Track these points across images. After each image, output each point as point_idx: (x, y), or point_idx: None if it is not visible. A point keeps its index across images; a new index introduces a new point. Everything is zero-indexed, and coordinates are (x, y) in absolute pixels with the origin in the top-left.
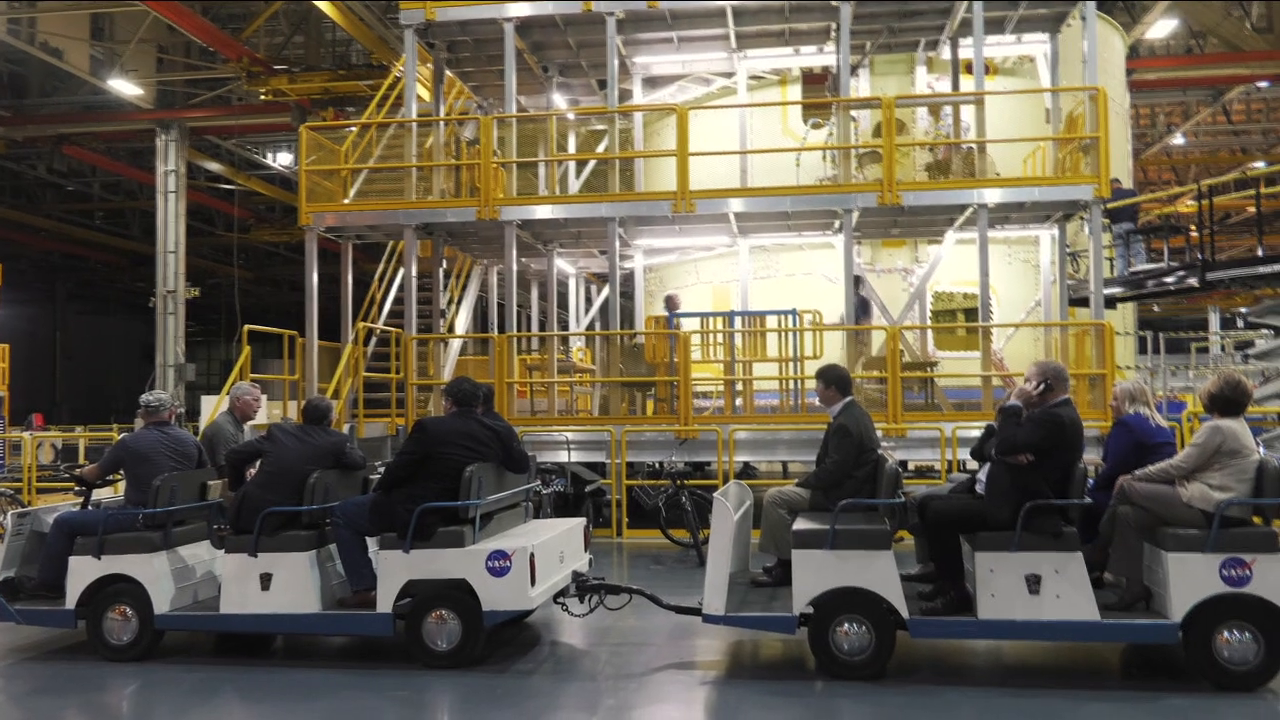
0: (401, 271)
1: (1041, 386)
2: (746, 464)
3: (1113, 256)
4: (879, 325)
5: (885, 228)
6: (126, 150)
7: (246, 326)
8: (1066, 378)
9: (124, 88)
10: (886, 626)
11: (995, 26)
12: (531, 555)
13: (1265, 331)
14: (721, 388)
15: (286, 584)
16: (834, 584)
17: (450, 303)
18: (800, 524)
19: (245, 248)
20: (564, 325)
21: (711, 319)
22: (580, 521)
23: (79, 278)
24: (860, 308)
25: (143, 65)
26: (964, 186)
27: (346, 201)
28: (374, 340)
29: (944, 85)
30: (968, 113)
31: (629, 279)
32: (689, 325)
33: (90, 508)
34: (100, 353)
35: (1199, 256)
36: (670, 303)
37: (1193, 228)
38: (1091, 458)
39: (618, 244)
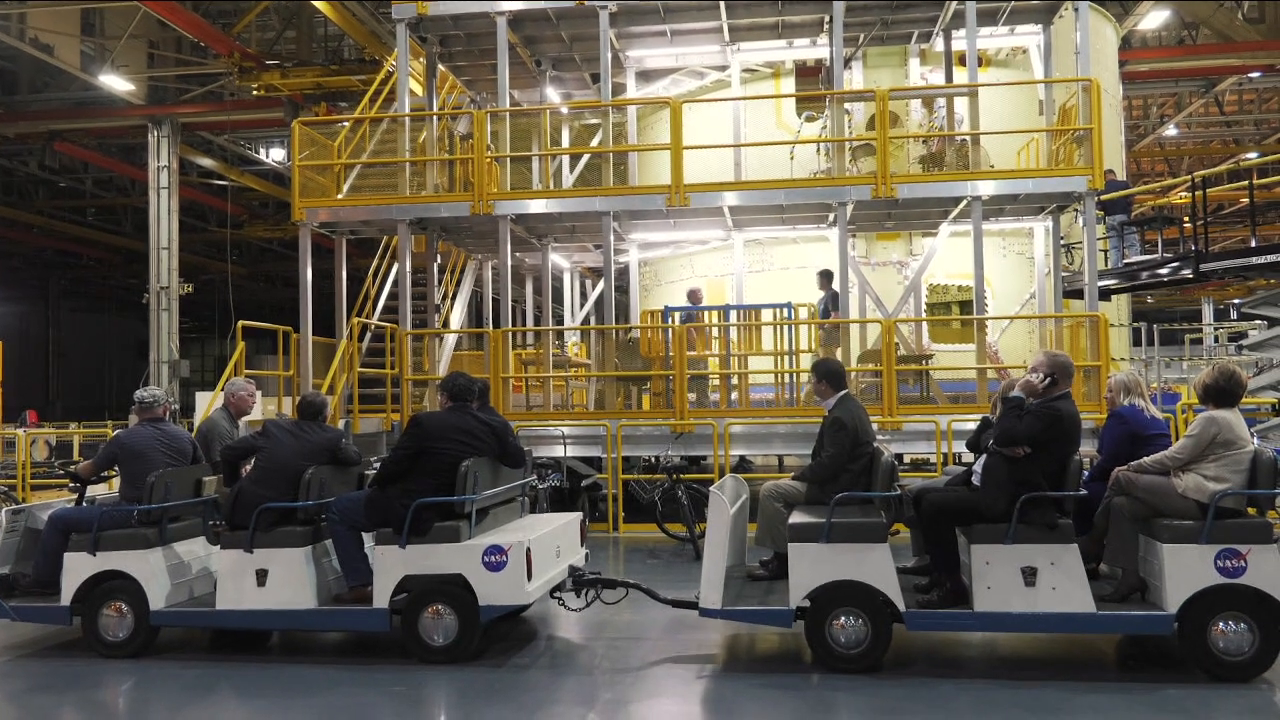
0: (395, 267)
1: (1047, 380)
2: (742, 458)
3: (1107, 248)
4: (874, 319)
5: (879, 220)
6: (118, 146)
7: (240, 322)
8: (1072, 372)
9: (115, 83)
10: (883, 619)
11: (988, 18)
12: (528, 550)
13: (1259, 322)
14: (717, 381)
15: (282, 580)
16: (830, 577)
17: (445, 298)
18: (796, 517)
19: (238, 243)
20: (559, 320)
21: (706, 313)
22: (576, 516)
23: (72, 274)
24: (830, 301)
25: (134, 61)
26: (958, 179)
27: (340, 197)
28: (369, 336)
29: (937, 77)
30: (961, 105)
31: (624, 273)
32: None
33: (85, 504)
34: (94, 349)
35: (1193, 248)
36: (693, 296)
37: (1186, 219)
38: (1087, 449)
39: (612, 238)
